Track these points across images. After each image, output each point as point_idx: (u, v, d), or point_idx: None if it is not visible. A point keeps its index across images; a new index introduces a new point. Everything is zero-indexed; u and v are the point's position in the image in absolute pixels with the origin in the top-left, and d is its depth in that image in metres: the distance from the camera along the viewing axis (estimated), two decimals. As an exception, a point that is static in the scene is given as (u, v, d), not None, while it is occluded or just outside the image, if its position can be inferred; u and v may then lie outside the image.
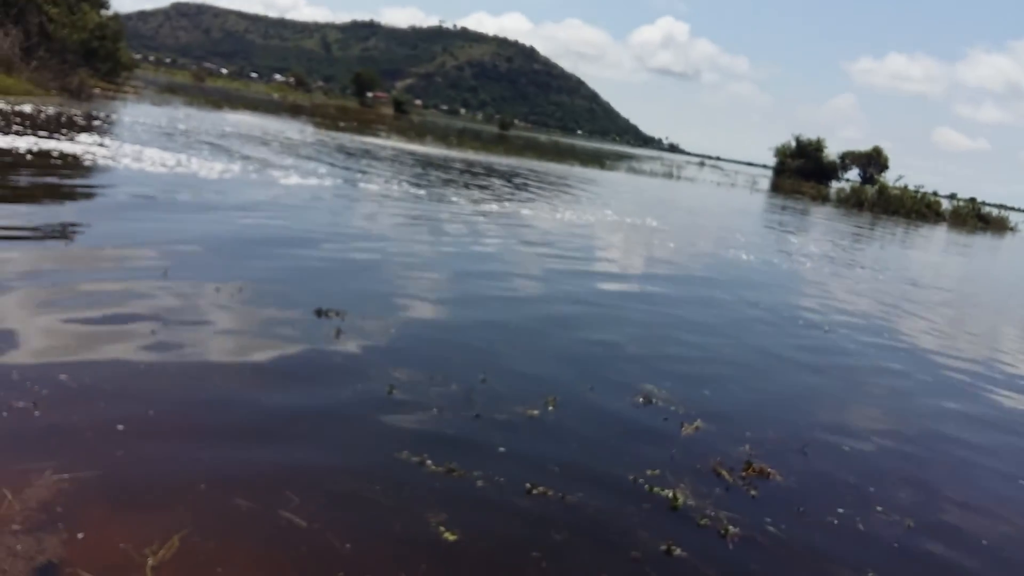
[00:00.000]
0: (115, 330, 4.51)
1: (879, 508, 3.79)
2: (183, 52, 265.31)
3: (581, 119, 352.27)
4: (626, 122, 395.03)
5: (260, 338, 4.82)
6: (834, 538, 3.43)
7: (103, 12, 30.92)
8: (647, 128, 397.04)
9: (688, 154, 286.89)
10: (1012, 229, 44.28)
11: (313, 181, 13.21)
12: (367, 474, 3.35)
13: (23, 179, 9.09)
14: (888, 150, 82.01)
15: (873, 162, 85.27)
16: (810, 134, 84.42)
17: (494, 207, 13.81)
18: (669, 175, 46.59)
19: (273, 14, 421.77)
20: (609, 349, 5.89)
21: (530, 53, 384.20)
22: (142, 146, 13.64)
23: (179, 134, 17.57)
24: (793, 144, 77.02)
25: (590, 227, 13.52)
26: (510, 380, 4.78)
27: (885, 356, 7.20)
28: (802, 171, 73.82)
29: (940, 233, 32.50)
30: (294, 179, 12.99)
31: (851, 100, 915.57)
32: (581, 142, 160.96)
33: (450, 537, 2.91)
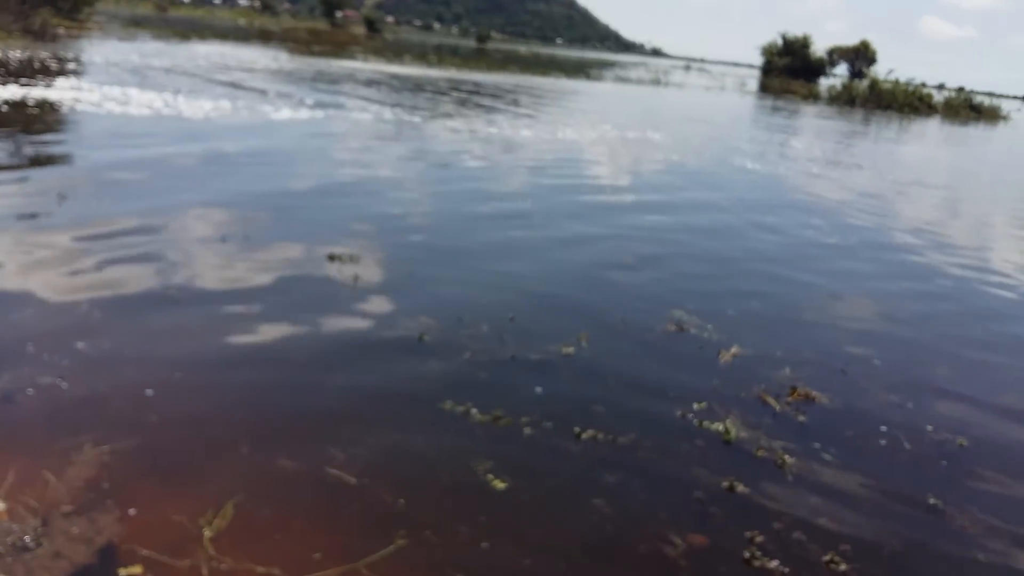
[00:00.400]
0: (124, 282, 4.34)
1: (926, 426, 3.76)
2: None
3: (560, 27, 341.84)
4: (606, 28, 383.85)
5: (278, 289, 4.67)
6: (886, 462, 3.40)
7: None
8: (628, 33, 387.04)
9: (672, 57, 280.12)
10: (1005, 118, 43.91)
11: (304, 113, 12.71)
12: (411, 426, 3.27)
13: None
14: (874, 42, 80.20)
15: (861, 56, 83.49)
16: (794, 31, 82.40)
17: (493, 130, 13.37)
18: (657, 82, 45.47)
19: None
20: (632, 274, 5.77)
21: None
22: (122, 87, 13.06)
23: (156, 71, 16.83)
24: (780, 42, 75.35)
25: (594, 145, 13.17)
26: (539, 316, 4.66)
27: (897, 259, 7.14)
28: (790, 69, 72.53)
29: (934, 126, 32.10)
30: (285, 112, 12.51)
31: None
32: (562, 51, 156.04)
33: (500, 486, 2.85)
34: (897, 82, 44.10)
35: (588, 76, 42.63)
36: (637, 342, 4.43)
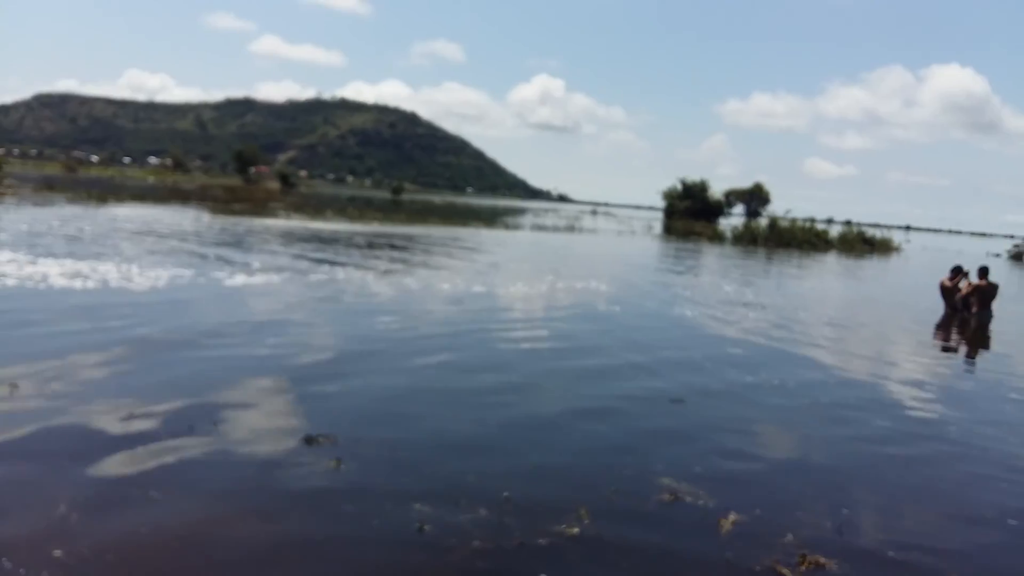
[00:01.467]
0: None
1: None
2: (50, 142, 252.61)
3: (470, 177, 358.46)
4: (514, 177, 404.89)
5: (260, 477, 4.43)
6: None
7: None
8: (535, 181, 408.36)
9: (578, 203, 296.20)
10: (897, 249, 47.80)
11: (259, 278, 12.59)
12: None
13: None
14: (765, 183, 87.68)
15: (755, 197, 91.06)
16: (689, 174, 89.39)
17: (445, 286, 13.58)
18: (571, 228, 47.75)
19: (142, 97, 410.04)
20: (608, 435, 5.79)
21: (412, 118, 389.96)
22: (56, 258, 12.76)
23: (85, 239, 16.50)
24: (679, 187, 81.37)
25: (548, 297, 13.49)
26: (532, 490, 4.59)
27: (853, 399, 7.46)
28: (691, 211, 77.99)
29: (832, 260, 34.78)
30: (240, 278, 12.39)
31: (724, 139, 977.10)
32: (474, 200, 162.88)
33: None
34: (794, 221, 47.71)
35: (507, 225, 44.32)
36: (638, 516, 4.39)
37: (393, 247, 22.10)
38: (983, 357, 11.53)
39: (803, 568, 3.84)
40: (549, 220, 57.96)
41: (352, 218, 36.81)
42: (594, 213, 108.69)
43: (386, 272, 15.13)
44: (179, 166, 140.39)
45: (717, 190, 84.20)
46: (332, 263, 15.94)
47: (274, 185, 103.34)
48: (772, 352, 9.91)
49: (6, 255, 12.72)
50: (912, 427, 6.85)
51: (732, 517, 4.39)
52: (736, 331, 11.29)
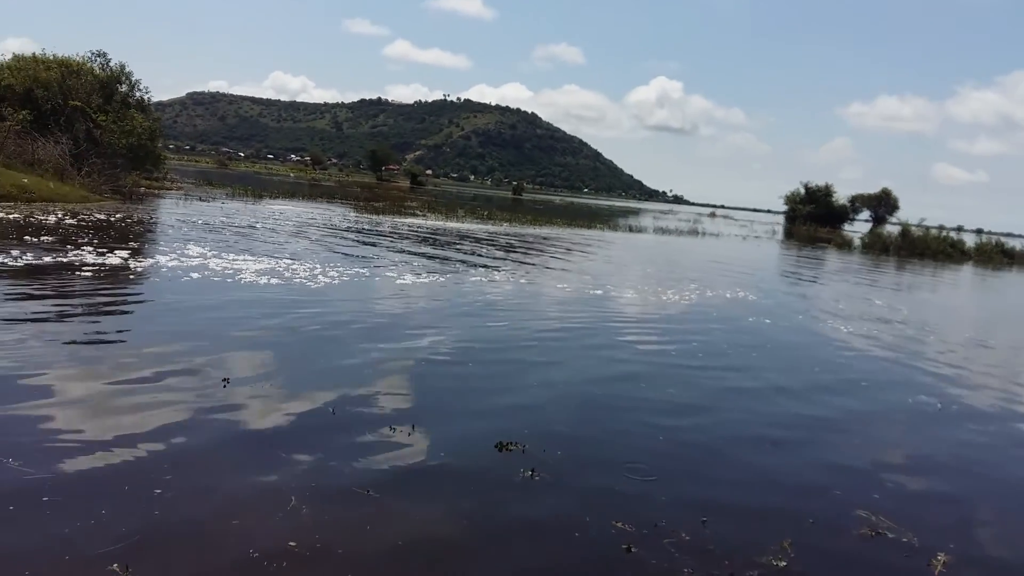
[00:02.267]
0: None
1: None
2: (201, 139, 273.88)
3: (586, 177, 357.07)
4: (630, 177, 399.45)
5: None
6: None
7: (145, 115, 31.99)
8: (651, 182, 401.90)
9: (693, 204, 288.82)
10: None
11: (425, 278, 13.62)
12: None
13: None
14: (891, 189, 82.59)
15: (883, 203, 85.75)
16: (809, 178, 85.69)
17: (598, 292, 14.08)
18: (695, 232, 46.80)
19: (284, 98, 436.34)
20: (792, 465, 5.73)
21: (532, 119, 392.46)
22: (241, 254, 14.20)
23: (258, 236, 18.15)
24: (802, 191, 78.09)
25: (702, 308, 13.38)
26: (730, 517, 4.63)
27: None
28: (813, 216, 74.56)
29: (969, 272, 32.35)
30: (408, 278, 13.32)
31: (846, 143, 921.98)
32: (591, 200, 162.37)
33: None
34: (928, 230, 44.85)
35: (630, 228, 43.95)
36: (840, 552, 4.35)
37: (531, 249, 22.54)
38: None
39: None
40: (671, 223, 56.95)
41: (482, 218, 37.73)
42: (712, 216, 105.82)
43: (529, 274, 15.51)
44: (317, 163, 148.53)
45: (842, 195, 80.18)
46: (480, 265, 16.52)
47: (404, 183, 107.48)
48: (946, 378, 9.39)
49: (196, 249, 14.06)
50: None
51: (943, 557, 4.27)
52: (906, 355, 10.73)
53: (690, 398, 7.37)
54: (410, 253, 18.12)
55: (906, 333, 12.74)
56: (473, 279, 14.18)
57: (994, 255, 42.78)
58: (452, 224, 30.91)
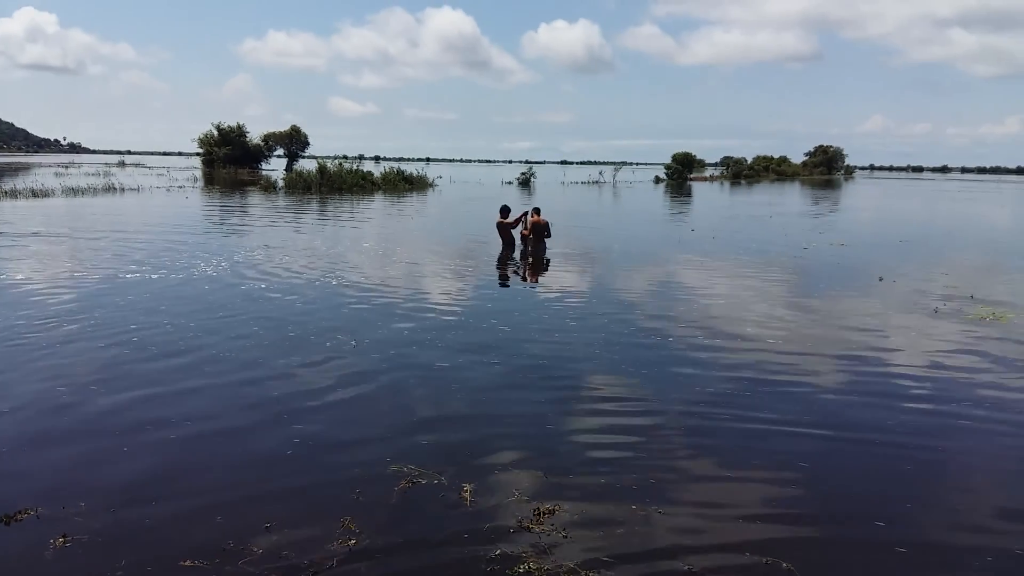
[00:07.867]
0: None
1: None
2: None
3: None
4: (11, 126, 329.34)
5: None
6: None
7: None
8: (38, 130, 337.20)
9: (96, 152, 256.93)
10: (432, 185, 53.78)
11: None
12: None
13: None
14: (300, 125, 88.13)
15: (294, 140, 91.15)
16: (216, 116, 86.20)
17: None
18: (112, 188, 42.21)
19: None
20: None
21: None
22: None
23: None
24: (215, 133, 77.53)
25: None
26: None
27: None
28: (231, 158, 75.37)
29: (381, 201, 37.65)
30: None
31: (248, 79, 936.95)
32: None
33: None
34: (341, 165, 49.64)
35: (33, 193, 36.20)
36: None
37: None
38: (545, 284, 14.36)
39: None
40: (80, 179, 49.82)
41: None
42: (122, 165, 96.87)
43: None
44: None
45: (255, 134, 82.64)
46: None
47: None
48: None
49: None
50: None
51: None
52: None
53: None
54: None
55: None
56: None
57: (398, 183, 50.00)
58: None
